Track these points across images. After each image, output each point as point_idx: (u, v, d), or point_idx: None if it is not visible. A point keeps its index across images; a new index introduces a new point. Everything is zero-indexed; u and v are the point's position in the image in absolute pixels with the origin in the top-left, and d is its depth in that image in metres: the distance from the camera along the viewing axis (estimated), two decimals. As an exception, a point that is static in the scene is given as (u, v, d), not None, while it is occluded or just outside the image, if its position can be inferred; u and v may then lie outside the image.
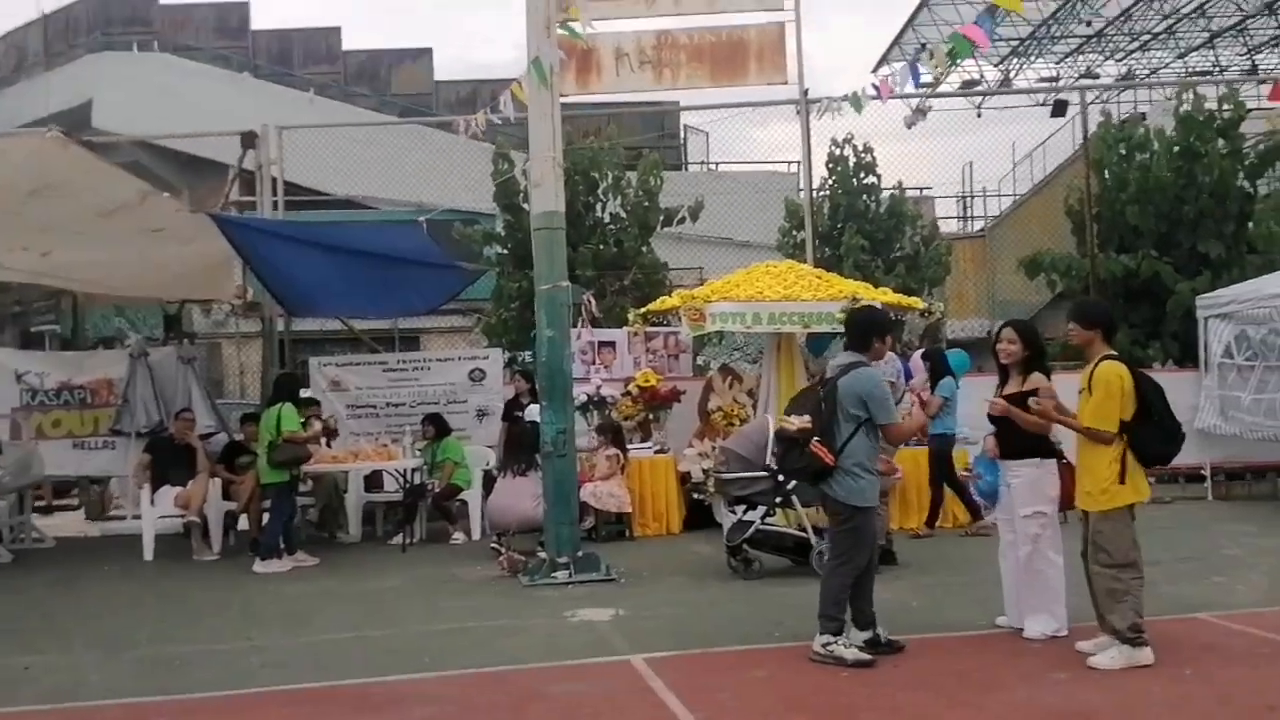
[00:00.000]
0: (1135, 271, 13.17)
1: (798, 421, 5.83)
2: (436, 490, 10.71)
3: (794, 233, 15.82)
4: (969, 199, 28.07)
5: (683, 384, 11.33)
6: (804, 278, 10.60)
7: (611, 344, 12.46)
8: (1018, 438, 5.82)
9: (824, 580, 5.74)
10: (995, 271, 22.14)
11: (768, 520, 8.10)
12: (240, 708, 5.34)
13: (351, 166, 19.45)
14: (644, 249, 14.22)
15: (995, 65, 31.43)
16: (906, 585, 7.61)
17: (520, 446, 9.85)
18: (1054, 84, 28.57)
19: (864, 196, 15.42)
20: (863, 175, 15.53)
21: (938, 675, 5.42)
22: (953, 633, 6.31)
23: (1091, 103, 28.34)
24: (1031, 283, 17.58)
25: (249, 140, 12.46)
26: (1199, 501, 11.80)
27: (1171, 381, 12.03)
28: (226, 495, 10.59)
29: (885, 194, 15.67)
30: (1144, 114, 19.14)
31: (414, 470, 10.45)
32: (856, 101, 10.83)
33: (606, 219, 14.65)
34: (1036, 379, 5.87)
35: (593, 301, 10.92)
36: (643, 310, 11.56)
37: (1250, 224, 13.37)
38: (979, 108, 29.13)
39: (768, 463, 7.99)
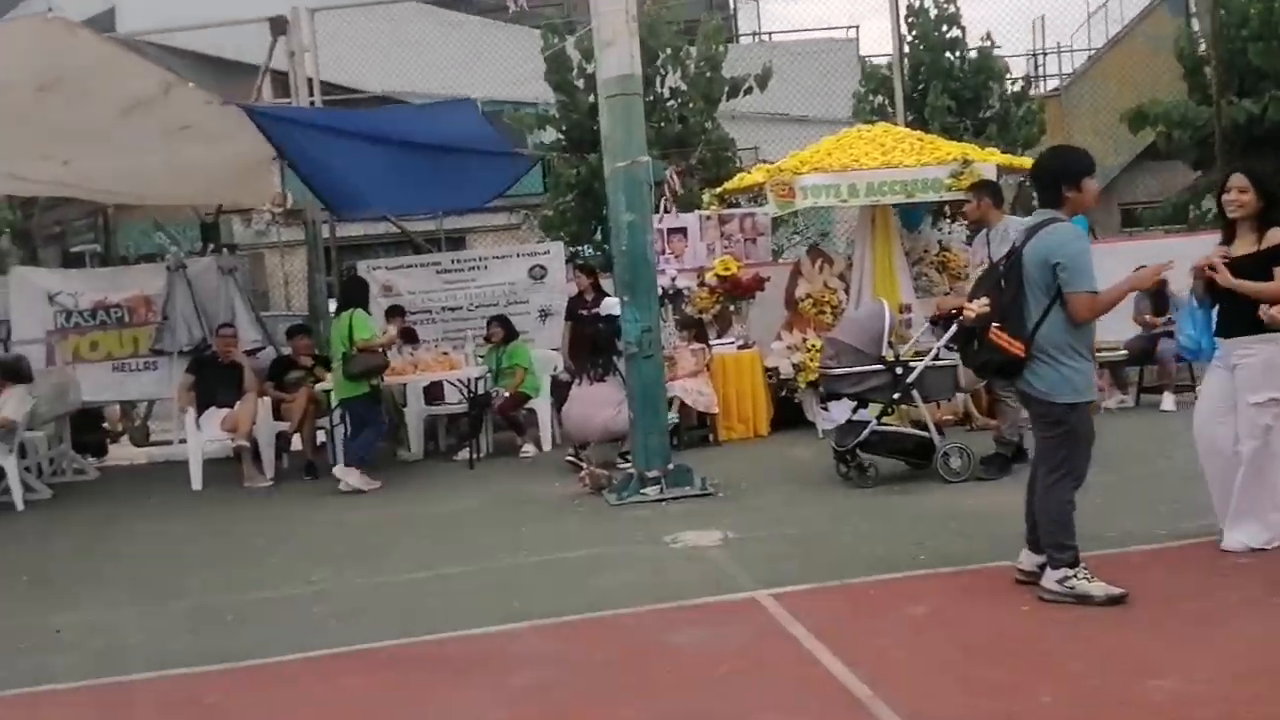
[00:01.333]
0: (1260, 117, 11.76)
1: (976, 305, 4.70)
2: (504, 399, 9.82)
3: (870, 97, 14.50)
4: (1041, 55, 26.23)
5: (765, 270, 10.24)
6: (903, 141, 9.43)
7: (683, 230, 11.35)
8: (1249, 309, 4.71)
9: (1040, 501, 4.65)
10: (1072, 133, 20.60)
11: (884, 420, 7.09)
12: (307, 675, 4.51)
13: (386, 60, 18.27)
14: (709, 124, 12.98)
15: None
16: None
17: (595, 348, 8.89)
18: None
19: (947, 53, 13.98)
20: (945, 29, 14.06)
21: (1140, 606, 4.43)
22: (1135, 546, 5.31)
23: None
24: (1110, 143, 16.11)
25: (279, 26, 11.33)
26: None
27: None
28: (277, 415, 9.80)
29: (970, 51, 14.20)
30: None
31: (478, 379, 9.55)
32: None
33: (666, 94, 13.39)
34: (1277, 235, 4.73)
35: (677, 179, 9.77)
36: (719, 190, 10.50)
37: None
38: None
39: (883, 354, 6.97)
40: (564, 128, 12.89)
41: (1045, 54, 26.73)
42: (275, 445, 9.65)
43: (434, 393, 10.30)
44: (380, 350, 8.85)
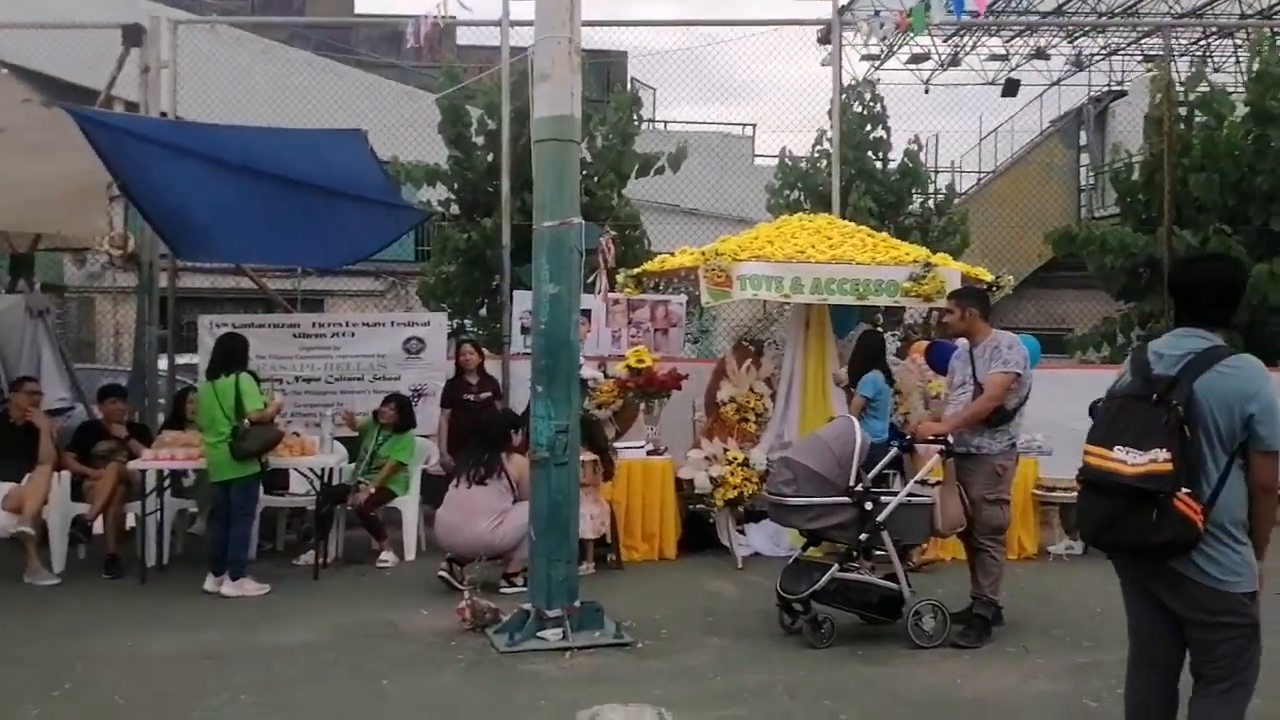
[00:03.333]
0: (1200, 249, 11.16)
1: (1142, 459, 3.26)
2: (366, 494, 8.16)
3: (786, 192, 13.53)
4: (933, 172, 26.16)
5: (682, 366, 8.93)
6: (851, 236, 8.33)
7: (585, 312, 9.98)
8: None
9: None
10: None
11: (848, 565, 5.76)
12: None
13: (258, 102, 16.57)
14: (618, 198, 11.72)
15: (945, 40, 29.43)
16: (1057, 668, 5.38)
17: (481, 442, 7.39)
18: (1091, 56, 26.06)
19: (871, 153, 13.14)
20: (869, 128, 13.25)
21: None
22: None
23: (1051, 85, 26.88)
24: (999, 266, 15.63)
25: (133, 36, 9.65)
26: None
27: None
28: (77, 495, 7.92)
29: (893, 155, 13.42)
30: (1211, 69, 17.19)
31: (332, 469, 7.89)
32: (920, 12, 8.56)
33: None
34: None
35: (612, 247, 8.39)
36: (636, 270, 9.21)
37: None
38: (927, 83, 27.39)
39: (851, 484, 5.68)
40: (455, 186, 11.44)
41: (937, 171, 26.75)
42: (70, 532, 7.74)
43: (275, 479, 8.53)
44: (272, 421, 7.30)
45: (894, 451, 6.07)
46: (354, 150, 7.70)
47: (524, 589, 6.89)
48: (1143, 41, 25.19)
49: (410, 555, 8.16)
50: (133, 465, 7.65)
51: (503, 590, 6.92)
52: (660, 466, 8.23)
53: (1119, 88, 25.56)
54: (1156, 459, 3.17)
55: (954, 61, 28.54)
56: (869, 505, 5.64)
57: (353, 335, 9.85)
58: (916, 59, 28.27)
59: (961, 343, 6.27)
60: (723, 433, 8.32)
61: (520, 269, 10.62)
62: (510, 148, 10.03)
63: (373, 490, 8.15)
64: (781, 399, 8.61)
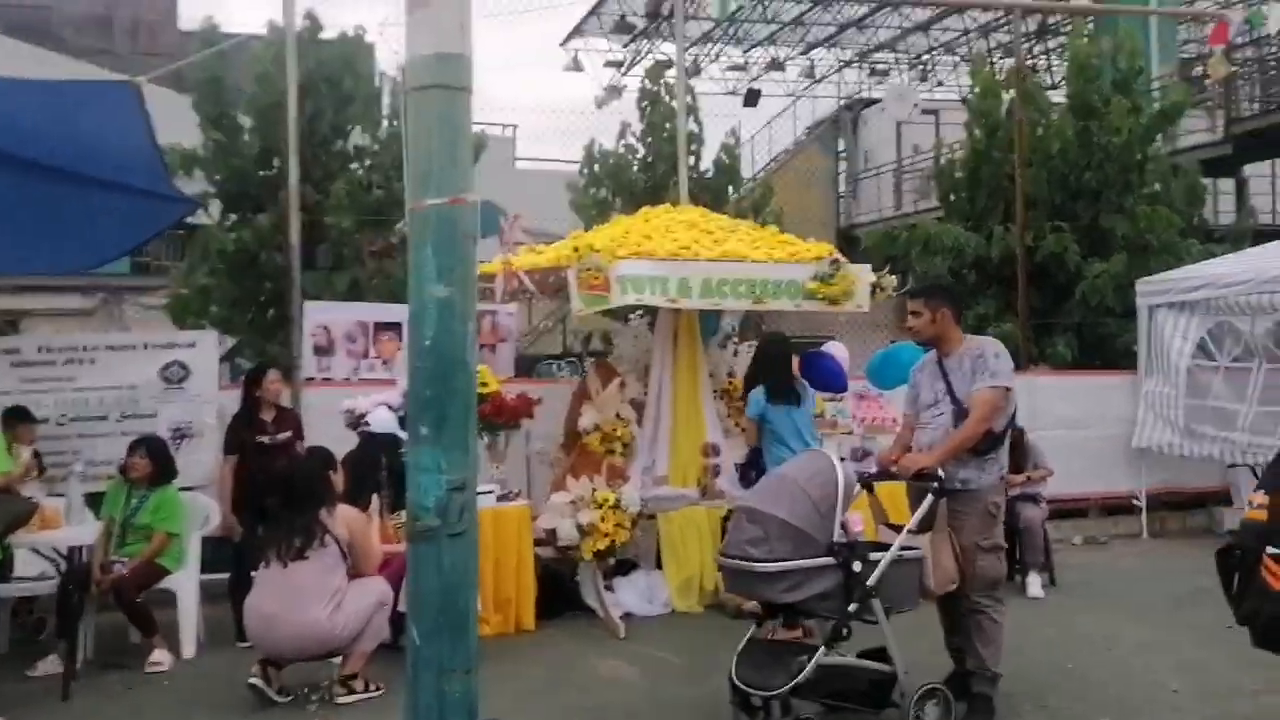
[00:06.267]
0: (1032, 250, 10.74)
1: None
2: (124, 574, 6.12)
3: (592, 190, 12.24)
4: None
5: (532, 390, 7.40)
6: (734, 230, 7.13)
7: (395, 327, 8.29)
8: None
9: None
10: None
11: (835, 645, 4.44)
12: None
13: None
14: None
15: (685, 49, 28.93)
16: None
17: (285, 502, 5.56)
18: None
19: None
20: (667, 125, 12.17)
21: None
22: None
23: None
24: None
25: None
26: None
27: (1099, 388, 9.98)
28: None
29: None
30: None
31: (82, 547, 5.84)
32: None
33: (351, 151, 10.28)
34: None
35: (522, 234, 6.55)
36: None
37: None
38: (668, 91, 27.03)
39: (836, 538, 4.39)
40: (217, 177, 9.38)
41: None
42: None
43: (-4, 558, 6.34)
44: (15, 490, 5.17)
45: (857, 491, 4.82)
46: (118, 111, 5.72)
47: (370, 695, 5.24)
48: (871, 56, 25.69)
49: (189, 651, 6.20)
50: None
51: (339, 700, 5.18)
52: (515, 515, 6.64)
53: (861, 96, 25.87)
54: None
55: (695, 71, 28.18)
56: (857, 566, 4.36)
57: (93, 362, 7.70)
58: (659, 66, 27.68)
59: (903, 353, 5.15)
60: (589, 469, 6.86)
61: (310, 274, 8.80)
62: (298, 122, 8.17)
63: (130, 568, 6.14)
64: (650, 422, 7.27)
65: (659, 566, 7.08)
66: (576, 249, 6.45)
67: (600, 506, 6.61)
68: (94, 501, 6.56)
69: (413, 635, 4.21)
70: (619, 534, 6.60)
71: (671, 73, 12.33)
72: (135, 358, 7.77)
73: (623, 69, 24.01)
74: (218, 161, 9.31)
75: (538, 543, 6.69)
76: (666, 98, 12.33)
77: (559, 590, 6.93)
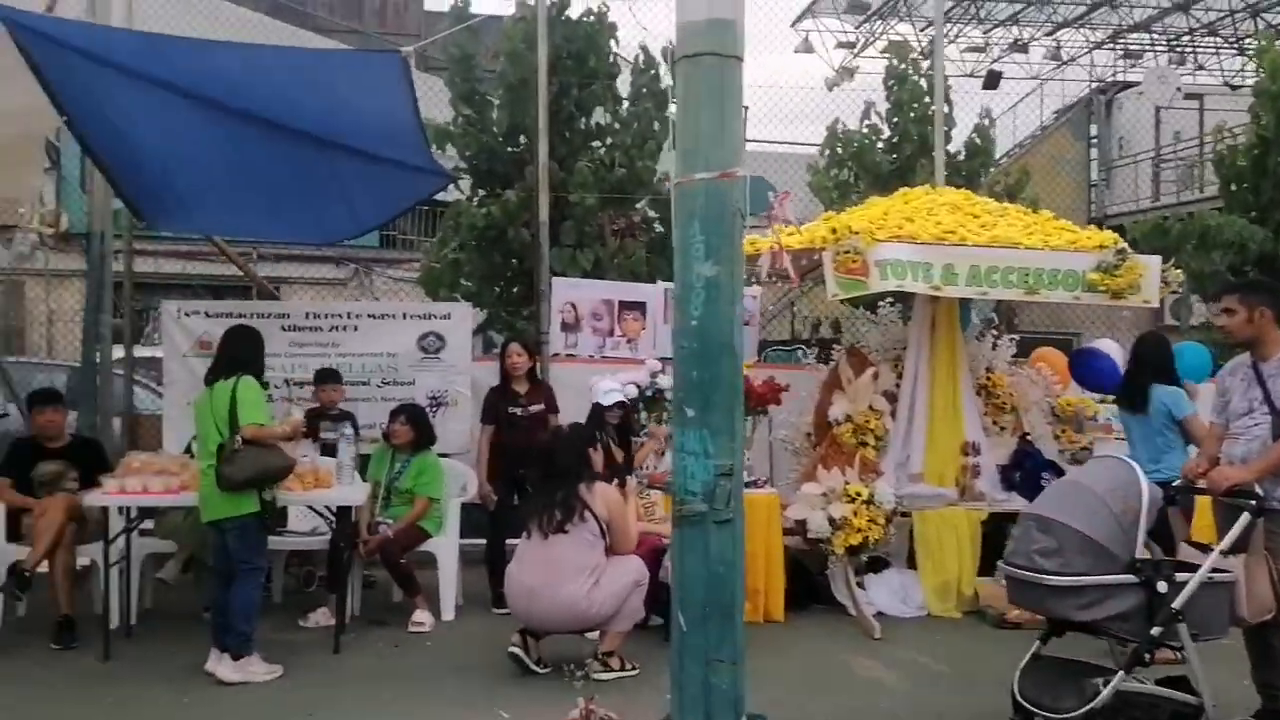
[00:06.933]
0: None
1: None
2: (388, 535, 6.38)
3: (834, 171, 11.94)
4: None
5: (779, 375, 7.26)
6: (1003, 214, 6.75)
7: (640, 305, 8.32)
8: None
9: None
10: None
11: (1135, 671, 4.11)
12: None
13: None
14: (658, 171, 9.99)
15: (922, 30, 27.90)
16: None
17: (545, 475, 5.62)
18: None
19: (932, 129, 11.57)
20: (928, 102, 11.69)
21: None
22: None
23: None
24: None
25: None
26: None
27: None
28: (14, 533, 6.05)
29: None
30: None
31: (352, 508, 6.09)
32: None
33: (594, 128, 10.34)
34: None
35: (789, 210, 6.47)
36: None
37: None
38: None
39: (1138, 554, 4.06)
40: (468, 153, 9.62)
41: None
42: (9, 583, 5.85)
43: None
44: (276, 445, 5.43)
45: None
46: (384, 82, 5.88)
47: (625, 673, 5.25)
48: (1127, 36, 24.03)
49: (449, 614, 6.40)
50: (89, 500, 5.77)
51: (595, 677, 5.20)
52: (764, 503, 6.51)
53: (1119, 80, 24.29)
54: None
55: (930, 54, 27.10)
56: (1162, 586, 4.02)
57: (355, 329, 8.04)
58: (895, 47, 26.85)
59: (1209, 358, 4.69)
60: (839, 460, 6.66)
61: (555, 250, 8.92)
62: (548, 96, 8.24)
63: (394, 530, 6.39)
64: (903, 417, 7.00)
65: (910, 566, 6.84)
66: (834, 230, 6.24)
67: (853, 500, 6.41)
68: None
69: (679, 621, 4.18)
70: (873, 530, 6.38)
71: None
72: (395, 327, 8.07)
73: (855, 50, 23.43)
74: (468, 137, 9.55)
75: (785, 532, 6.56)
76: (914, 76, 11.86)
77: (805, 582, 6.80)
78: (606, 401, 6.75)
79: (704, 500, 4.11)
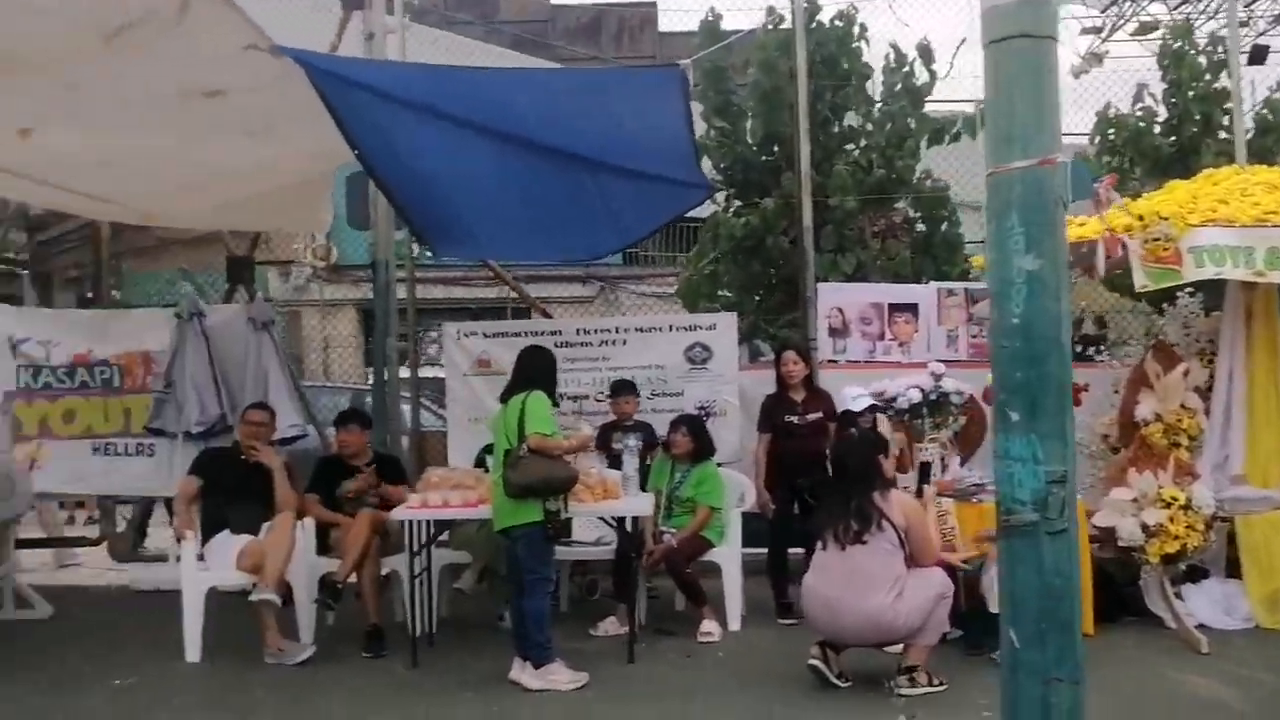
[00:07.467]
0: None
1: None
2: (672, 547, 6.37)
3: (1107, 159, 11.19)
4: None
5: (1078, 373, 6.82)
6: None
7: (911, 307, 8.03)
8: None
9: None
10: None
11: None
12: None
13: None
14: (918, 169, 9.67)
15: (1174, 8, 25.79)
16: None
17: (838, 484, 5.44)
18: None
19: (1218, 107, 10.69)
20: (1209, 78, 10.79)
21: None
22: None
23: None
24: None
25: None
26: None
27: None
28: (323, 547, 6.40)
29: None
30: None
31: (634, 518, 6.10)
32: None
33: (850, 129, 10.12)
34: None
35: (1114, 194, 6.12)
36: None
37: None
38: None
39: None
40: (723, 164, 9.61)
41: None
42: (320, 594, 6.17)
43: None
44: (562, 457, 5.55)
45: None
46: (661, 97, 5.90)
47: (934, 689, 5.00)
48: None
49: (735, 624, 6.33)
50: (395, 515, 6.04)
51: (901, 692, 4.98)
52: (1069, 509, 6.10)
53: None
54: None
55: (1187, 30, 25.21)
56: None
57: (624, 343, 8.13)
58: (1145, 29, 25.08)
59: None
60: (1150, 463, 6.17)
61: (817, 256, 8.73)
62: (808, 102, 8.09)
63: (678, 540, 6.37)
64: (1218, 415, 6.42)
65: (1230, 574, 6.26)
66: (1141, 217, 5.78)
67: (1169, 505, 5.92)
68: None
69: (1010, 638, 3.88)
70: (1191, 537, 5.89)
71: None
72: (662, 339, 8.10)
73: (1102, 35, 22.13)
74: (723, 149, 9.53)
75: (1091, 540, 6.12)
76: (1192, 53, 10.99)
77: (1113, 592, 6.32)
78: (856, 407, 6.52)
79: (1035, 510, 3.80)
